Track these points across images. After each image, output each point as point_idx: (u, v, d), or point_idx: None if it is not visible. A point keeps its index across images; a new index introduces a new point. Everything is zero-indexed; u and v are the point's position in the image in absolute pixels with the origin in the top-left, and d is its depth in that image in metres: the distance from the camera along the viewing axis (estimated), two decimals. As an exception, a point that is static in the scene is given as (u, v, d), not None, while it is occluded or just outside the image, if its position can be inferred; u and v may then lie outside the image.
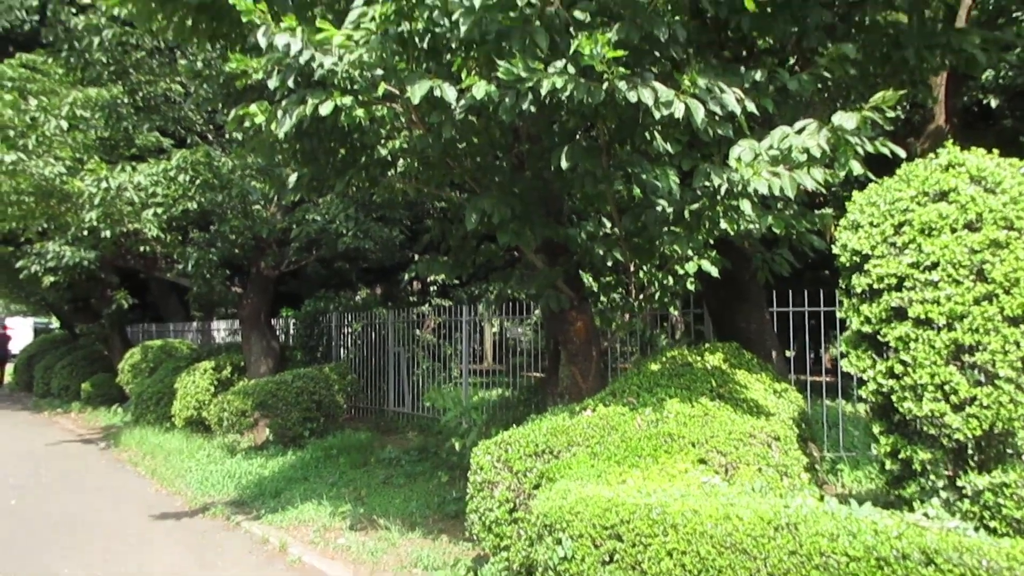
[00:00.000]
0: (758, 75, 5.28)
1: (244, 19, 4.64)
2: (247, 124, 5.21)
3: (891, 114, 4.60)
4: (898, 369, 3.93)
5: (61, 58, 11.23)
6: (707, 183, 4.76)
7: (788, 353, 8.73)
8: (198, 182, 10.29)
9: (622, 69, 4.20)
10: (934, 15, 6.70)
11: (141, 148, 12.88)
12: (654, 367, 5.94)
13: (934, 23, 6.36)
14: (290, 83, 4.88)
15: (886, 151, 4.67)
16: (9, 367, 26.90)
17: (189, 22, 6.06)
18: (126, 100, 11.46)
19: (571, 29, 4.63)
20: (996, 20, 10.13)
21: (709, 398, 5.27)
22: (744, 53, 6.86)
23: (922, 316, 3.84)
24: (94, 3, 10.05)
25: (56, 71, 11.67)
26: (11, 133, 9.21)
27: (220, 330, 18.12)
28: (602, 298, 6.97)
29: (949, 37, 5.87)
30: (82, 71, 11.03)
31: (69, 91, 10.47)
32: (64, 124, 9.76)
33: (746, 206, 4.85)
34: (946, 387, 3.74)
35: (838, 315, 4.82)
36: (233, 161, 10.95)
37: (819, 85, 5.89)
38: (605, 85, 4.24)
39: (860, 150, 4.61)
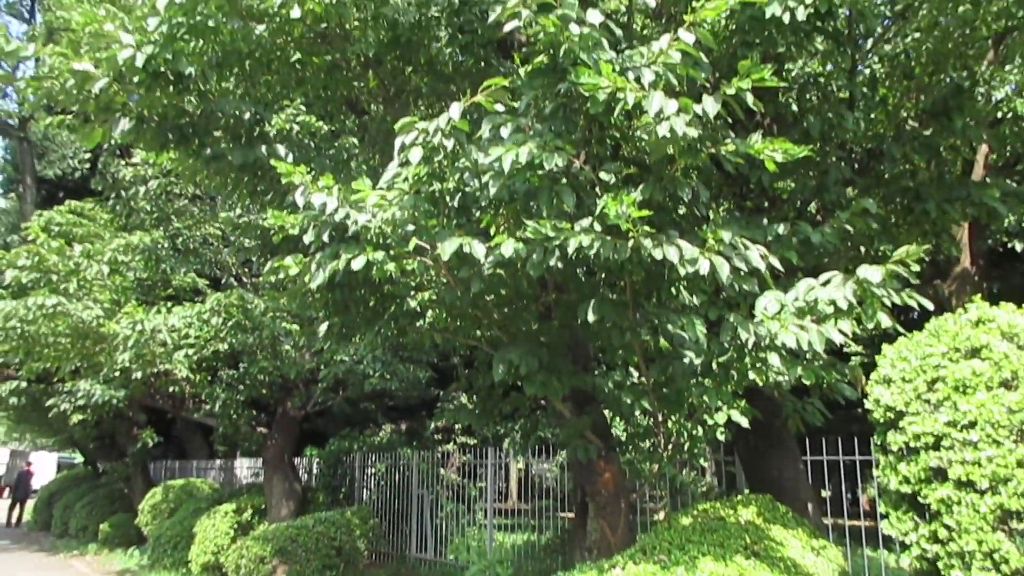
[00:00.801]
0: (781, 228, 5.39)
1: (284, 180, 4.87)
2: (282, 275, 5.36)
3: (916, 267, 4.62)
4: (942, 534, 3.77)
5: (107, 205, 11.77)
6: (734, 337, 4.76)
7: (824, 493, 8.44)
8: (230, 324, 10.49)
9: (647, 228, 4.30)
10: (952, 167, 6.87)
11: (177, 289, 13.24)
12: (685, 521, 5.75)
13: (953, 175, 6.51)
14: (325, 237, 5.05)
15: (913, 303, 4.66)
16: (30, 504, 26.63)
17: (232, 178, 6.37)
18: (166, 244, 11.89)
19: (596, 188, 4.80)
20: (1015, 166, 10.35)
21: (744, 556, 5.06)
22: (765, 203, 7.03)
23: (964, 478, 3.72)
24: (145, 160, 10.64)
25: (102, 216, 12.21)
26: (54, 278, 9.53)
27: (243, 468, 17.92)
28: (630, 448, 6.85)
29: (969, 190, 5.98)
30: (127, 217, 11.53)
31: (112, 237, 10.91)
32: (105, 269, 10.11)
33: (774, 359, 4.82)
34: (995, 555, 3.57)
35: (876, 472, 4.68)
36: (265, 302, 11.19)
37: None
38: (631, 243, 4.34)
39: (887, 301, 4.61)
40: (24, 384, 13.19)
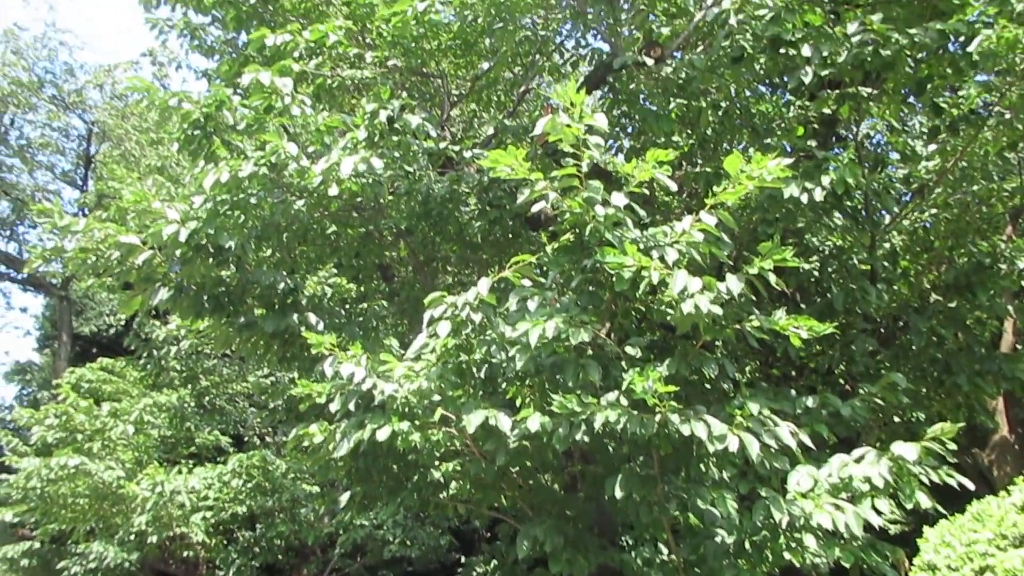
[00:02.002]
0: (810, 401, 5.33)
1: (314, 351, 4.96)
2: (306, 443, 5.35)
3: (952, 445, 4.51)
4: None
5: (139, 364, 11.96)
6: (768, 516, 4.60)
7: None
8: (251, 485, 10.34)
9: (674, 403, 4.28)
10: (980, 336, 6.83)
11: (200, 447, 13.16)
12: None
13: (982, 345, 6.46)
14: (351, 406, 5.07)
15: (953, 482, 4.52)
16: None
17: (263, 344, 6.48)
18: (192, 403, 11.95)
19: (623, 362, 4.81)
20: (1043, 330, 10.26)
21: None
22: (792, 371, 6.99)
23: None
24: (180, 326, 10.92)
25: (132, 374, 12.37)
26: (79, 437, 9.56)
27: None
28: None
29: (999, 363, 5.93)
30: (156, 376, 11.68)
31: (140, 396, 11.00)
32: (131, 429, 10.14)
33: (810, 540, 4.63)
34: None
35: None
36: (287, 463, 11.06)
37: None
38: (658, 418, 4.30)
39: (924, 479, 4.48)
40: (37, 545, 12.92)
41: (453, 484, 5.82)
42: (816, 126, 6.71)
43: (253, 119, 5.75)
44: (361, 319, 7.23)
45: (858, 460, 4.60)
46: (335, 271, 9.65)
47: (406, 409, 4.98)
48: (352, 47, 7.13)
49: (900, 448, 4.42)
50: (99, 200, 16.13)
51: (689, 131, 7.03)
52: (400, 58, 7.25)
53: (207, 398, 12.28)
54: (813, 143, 6.26)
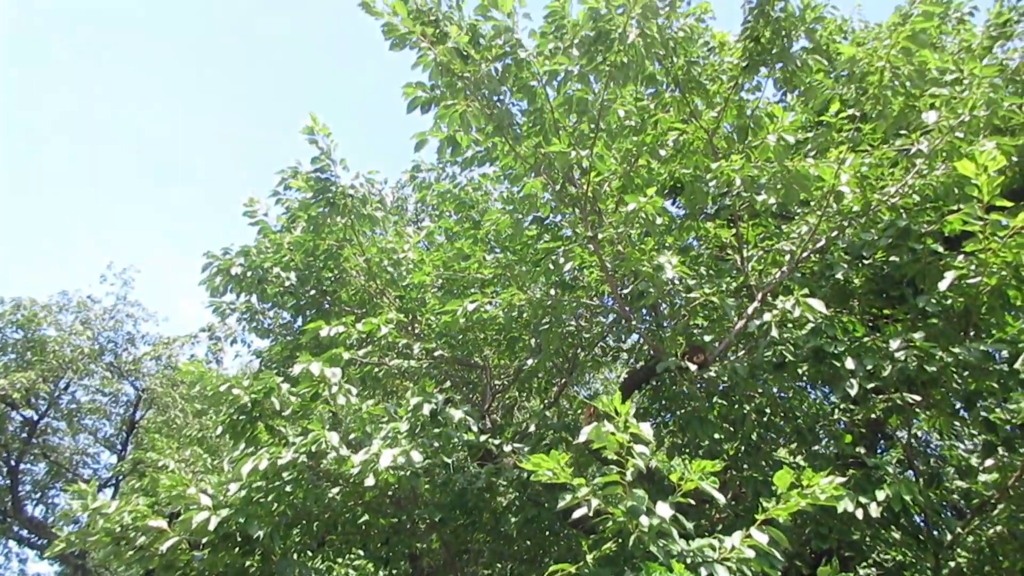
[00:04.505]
0: None
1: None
2: None
3: None
4: None
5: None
6: None
7: None
8: None
9: None
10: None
11: None
12: None
13: None
14: None
15: None
16: None
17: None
18: None
19: None
20: None
21: None
22: None
23: None
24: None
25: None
26: None
27: None
28: None
29: None
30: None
31: None
32: None
33: None
34: None
35: None
36: None
37: None
38: None
39: None
40: None
41: None
42: (863, 429, 6.58)
43: (299, 406, 5.84)
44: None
45: None
46: (360, 553, 9.22)
47: None
48: (401, 337, 7.40)
49: None
50: (134, 467, 16.09)
51: (732, 428, 6.93)
52: (446, 349, 7.48)
53: None
54: (861, 449, 6.09)
